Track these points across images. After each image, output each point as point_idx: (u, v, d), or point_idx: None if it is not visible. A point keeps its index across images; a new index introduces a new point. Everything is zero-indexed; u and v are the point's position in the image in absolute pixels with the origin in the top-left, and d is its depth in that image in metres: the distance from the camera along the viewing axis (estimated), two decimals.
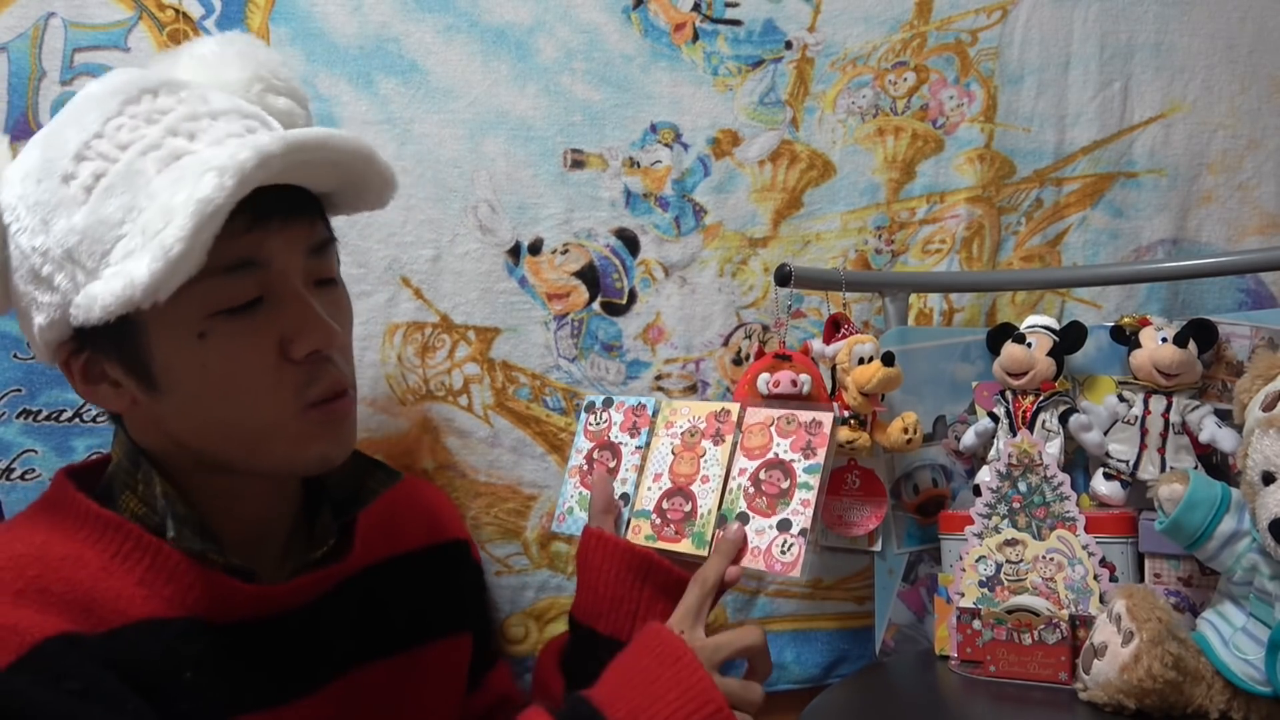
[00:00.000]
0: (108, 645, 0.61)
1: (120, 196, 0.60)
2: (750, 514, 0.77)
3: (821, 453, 0.76)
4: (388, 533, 0.82)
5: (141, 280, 0.56)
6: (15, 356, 0.91)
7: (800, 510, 0.74)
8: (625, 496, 0.83)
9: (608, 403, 0.89)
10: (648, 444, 0.85)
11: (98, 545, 0.64)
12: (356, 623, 0.76)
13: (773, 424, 0.80)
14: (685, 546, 0.78)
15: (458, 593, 0.88)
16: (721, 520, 0.78)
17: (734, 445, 0.81)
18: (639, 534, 0.80)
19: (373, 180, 0.71)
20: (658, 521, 0.80)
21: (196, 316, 0.63)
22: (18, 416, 0.91)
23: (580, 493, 0.86)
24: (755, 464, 0.79)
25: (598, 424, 0.89)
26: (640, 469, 0.84)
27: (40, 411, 0.91)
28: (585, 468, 0.87)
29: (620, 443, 0.86)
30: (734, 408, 0.82)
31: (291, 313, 0.66)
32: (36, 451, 0.91)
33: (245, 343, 0.64)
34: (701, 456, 0.81)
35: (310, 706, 0.71)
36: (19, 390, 0.91)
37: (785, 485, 0.76)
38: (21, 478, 0.90)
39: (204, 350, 0.63)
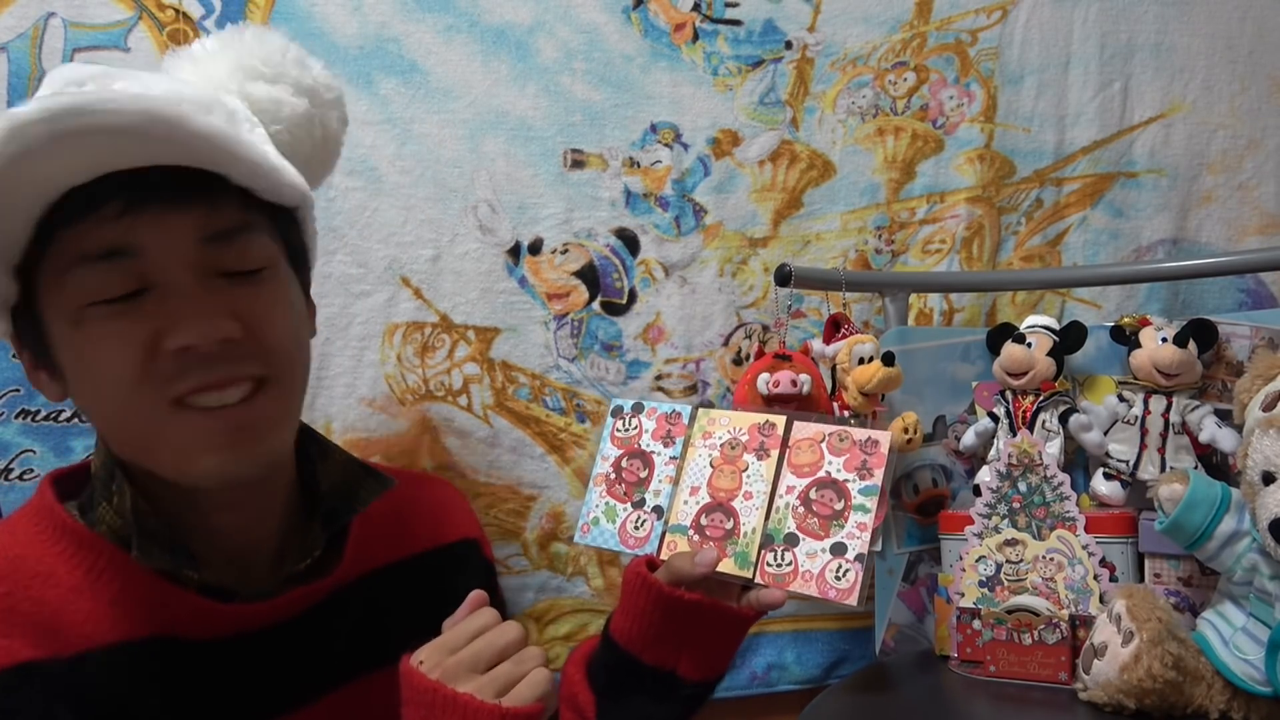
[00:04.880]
0: (72, 671, 0.60)
1: None
2: (800, 535, 0.73)
3: (879, 474, 0.72)
4: (391, 537, 0.80)
5: None
6: (14, 357, 0.90)
7: (856, 534, 0.71)
8: (659, 509, 0.79)
9: (637, 408, 0.85)
10: (683, 454, 0.81)
11: (72, 561, 0.63)
12: (355, 633, 0.74)
13: (824, 440, 0.76)
14: (727, 566, 0.74)
15: (465, 595, 0.86)
16: (768, 540, 0.74)
17: (780, 461, 0.77)
18: (675, 549, 0.77)
19: (203, 150, 0.59)
20: (695, 538, 0.76)
21: (73, 305, 0.60)
22: (16, 416, 0.90)
23: (607, 502, 0.82)
24: (804, 482, 0.75)
25: (626, 430, 0.84)
26: (675, 480, 0.80)
27: (39, 411, 0.91)
28: (613, 476, 0.83)
29: (652, 451, 0.82)
30: (779, 420, 0.78)
31: (168, 305, 0.61)
32: (35, 452, 0.91)
33: (115, 333, 0.60)
34: (743, 471, 0.77)
35: None
36: (17, 390, 0.90)
37: (839, 506, 0.72)
38: (20, 478, 0.90)
39: (79, 339, 0.61)
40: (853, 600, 0.69)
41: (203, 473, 0.63)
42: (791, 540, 0.73)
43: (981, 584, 0.88)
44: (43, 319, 0.62)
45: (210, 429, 0.62)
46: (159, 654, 0.63)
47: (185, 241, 0.61)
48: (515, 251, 1.04)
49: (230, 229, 0.63)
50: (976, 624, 0.87)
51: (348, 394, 0.99)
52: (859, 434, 0.75)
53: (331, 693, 0.72)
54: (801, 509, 0.74)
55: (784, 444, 0.78)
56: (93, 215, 0.58)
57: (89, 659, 0.61)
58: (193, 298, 0.61)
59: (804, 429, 0.78)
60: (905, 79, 1.14)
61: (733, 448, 0.79)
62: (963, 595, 0.89)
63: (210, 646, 0.65)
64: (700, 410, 0.83)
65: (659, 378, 1.07)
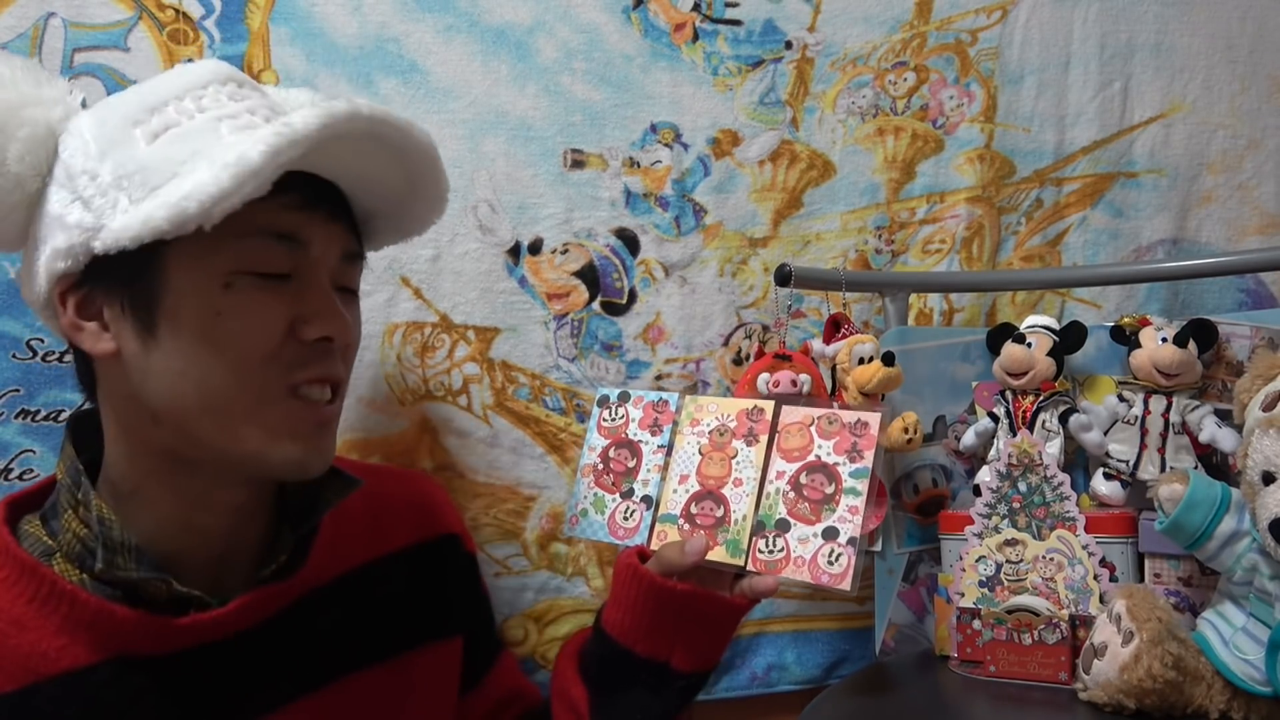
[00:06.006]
0: (21, 705, 0.60)
1: (190, 143, 0.63)
2: (791, 521, 0.72)
3: (869, 455, 0.72)
4: (369, 535, 0.80)
5: (205, 187, 0.57)
6: (14, 357, 0.90)
7: (848, 518, 0.70)
8: (648, 499, 0.79)
9: (624, 397, 0.84)
10: (671, 443, 0.80)
11: (15, 588, 0.63)
12: (334, 633, 0.74)
13: (813, 424, 0.75)
14: (719, 554, 0.74)
15: (446, 592, 0.85)
16: (759, 526, 0.73)
17: (769, 446, 0.76)
18: (665, 539, 0.76)
19: (429, 189, 0.74)
20: (685, 527, 0.76)
21: (226, 268, 0.63)
22: (16, 416, 0.90)
23: (595, 493, 0.81)
24: (794, 467, 0.74)
25: (613, 419, 0.84)
26: (664, 469, 0.79)
27: (39, 412, 0.91)
28: (600, 466, 0.82)
29: (640, 440, 0.81)
30: (768, 405, 0.78)
31: (313, 297, 0.67)
32: (35, 452, 0.91)
33: (263, 306, 0.65)
34: (733, 458, 0.77)
35: None
36: (17, 390, 0.90)
37: (829, 490, 0.72)
38: (19, 478, 0.90)
39: (224, 299, 0.63)
40: (846, 585, 0.69)
41: (283, 458, 0.66)
42: (783, 526, 0.73)
43: (981, 584, 0.88)
44: (168, 271, 0.63)
45: (305, 419, 0.67)
46: (112, 676, 0.63)
47: (335, 250, 0.69)
48: (515, 251, 1.04)
49: (356, 253, 0.73)
50: (976, 624, 0.87)
51: (347, 394, 0.98)
52: (848, 416, 0.74)
53: (311, 695, 0.71)
54: (792, 494, 0.73)
55: (773, 429, 0.77)
56: (278, 199, 0.62)
57: (37, 691, 0.61)
58: (331, 296, 0.68)
59: (793, 413, 0.77)
60: (905, 79, 1.14)
61: (721, 434, 0.79)
62: (963, 595, 0.89)
63: (168, 661, 0.65)
64: (688, 398, 0.82)
65: (659, 378, 1.07)
